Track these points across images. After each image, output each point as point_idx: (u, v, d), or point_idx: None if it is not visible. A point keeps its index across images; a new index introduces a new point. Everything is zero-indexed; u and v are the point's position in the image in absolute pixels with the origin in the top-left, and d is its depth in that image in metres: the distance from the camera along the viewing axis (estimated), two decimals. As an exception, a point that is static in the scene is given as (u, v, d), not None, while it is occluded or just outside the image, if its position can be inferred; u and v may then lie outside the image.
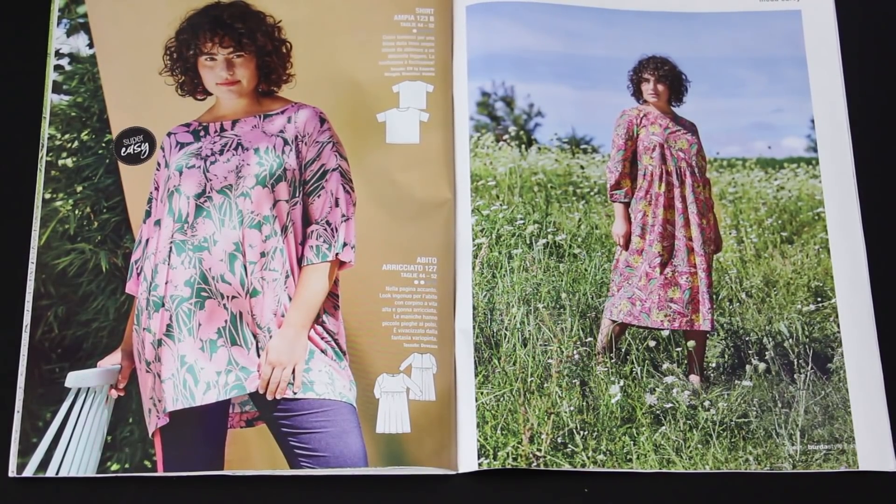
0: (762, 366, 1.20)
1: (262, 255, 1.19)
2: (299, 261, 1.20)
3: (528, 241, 1.25)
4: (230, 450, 1.15)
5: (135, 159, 1.25)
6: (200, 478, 1.14)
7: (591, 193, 1.29)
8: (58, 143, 1.26)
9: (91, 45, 1.30)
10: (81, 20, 1.31)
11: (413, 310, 1.20)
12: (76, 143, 1.26)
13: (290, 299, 1.18)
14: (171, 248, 1.19)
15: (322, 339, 1.18)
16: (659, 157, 1.29)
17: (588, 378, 1.19)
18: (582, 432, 1.16)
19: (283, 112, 1.24)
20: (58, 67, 1.29)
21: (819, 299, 1.23)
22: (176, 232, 1.19)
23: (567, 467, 1.14)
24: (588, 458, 1.15)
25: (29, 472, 1.13)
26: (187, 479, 1.14)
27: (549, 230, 1.27)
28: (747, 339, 1.22)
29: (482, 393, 1.17)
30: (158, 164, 1.24)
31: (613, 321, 1.23)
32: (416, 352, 1.18)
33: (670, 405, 1.18)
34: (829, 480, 1.15)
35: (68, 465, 1.14)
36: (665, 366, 1.21)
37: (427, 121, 1.27)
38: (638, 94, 1.31)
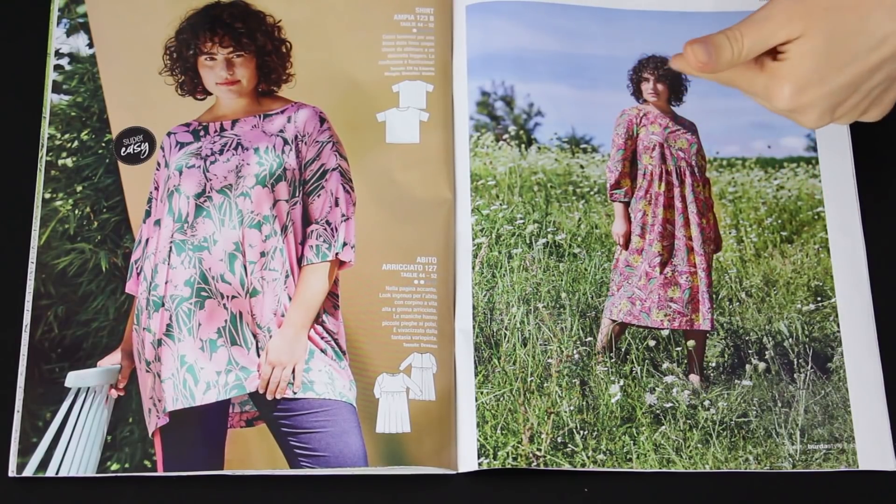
0: (762, 365, 1.20)
1: (262, 254, 1.19)
2: (299, 260, 1.20)
3: (527, 241, 1.25)
4: (230, 450, 1.15)
5: (135, 159, 1.25)
6: (200, 478, 1.14)
7: (591, 193, 1.29)
8: (58, 142, 1.26)
9: (91, 45, 1.30)
10: (81, 20, 1.31)
11: (413, 309, 1.20)
12: (76, 143, 1.26)
13: (290, 299, 1.18)
14: (170, 247, 1.19)
15: (322, 338, 1.18)
16: (659, 157, 1.29)
17: (588, 378, 1.19)
18: (582, 432, 1.16)
19: (282, 112, 1.24)
20: (58, 67, 1.29)
21: (819, 299, 1.23)
22: (176, 232, 1.19)
23: (567, 467, 1.14)
24: (588, 457, 1.15)
25: (29, 471, 1.13)
26: (187, 479, 1.14)
27: (548, 230, 1.27)
28: (747, 338, 1.22)
29: (482, 393, 1.17)
30: (158, 164, 1.24)
31: (613, 321, 1.23)
32: (416, 351, 1.18)
33: (670, 405, 1.18)
34: (829, 480, 1.15)
35: (68, 465, 1.14)
36: (665, 365, 1.21)
37: (427, 120, 1.27)
38: (638, 94, 1.31)
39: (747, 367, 1.20)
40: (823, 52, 1.00)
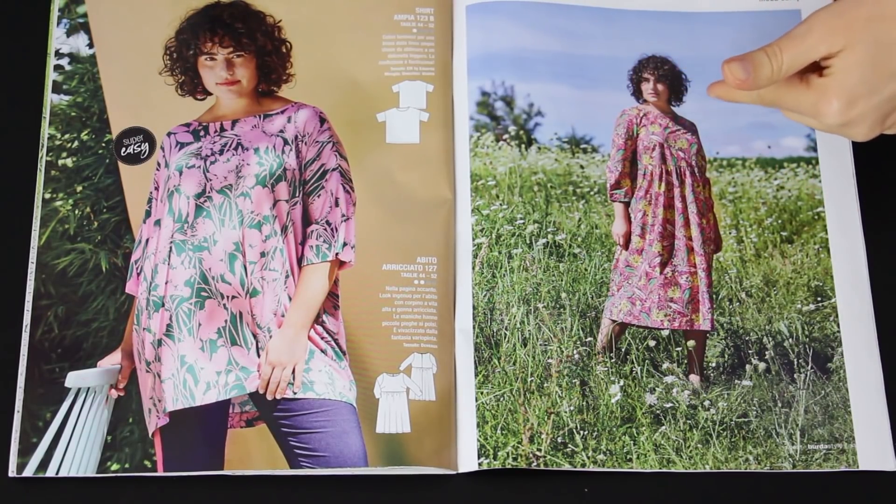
0: (762, 365, 1.20)
1: (262, 254, 1.19)
2: (299, 261, 1.20)
3: (527, 241, 1.25)
4: (230, 450, 1.15)
5: (135, 159, 1.25)
6: (200, 478, 1.14)
7: (591, 193, 1.29)
8: (58, 143, 1.26)
9: (91, 45, 1.30)
10: (81, 20, 1.31)
11: (413, 310, 1.20)
12: (76, 143, 1.26)
13: (290, 299, 1.18)
14: (171, 247, 1.19)
15: (322, 338, 1.18)
16: (659, 157, 1.29)
17: (588, 378, 1.19)
18: (582, 432, 1.16)
19: (283, 112, 1.24)
20: (58, 67, 1.29)
21: (819, 299, 1.23)
22: (176, 232, 1.19)
23: (567, 467, 1.14)
24: (588, 457, 1.15)
25: (29, 472, 1.13)
26: (187, 479, 1.14)
27: (549, 230, 1.27)
28: (747, 338, 1.22)
29: (482, 393, 1.17)
30: (158, 164, 1.24)
31: (613, 321, 1.23)
32: (416, 352, 1.18)
33: (670, 405, 1.18)
34: (829, 480, 1.15)
35: (68, 465, 1.14)
36: (665, 365, 1.21)
37: (427, 121, 1.27)
38: (638, 94, 1.31)
39: (747, 367, 1.20)
40: (869, 63, 1.00)
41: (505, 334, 1.20)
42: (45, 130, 1.27)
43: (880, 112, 1.02)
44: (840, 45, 1.00)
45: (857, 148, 1.28)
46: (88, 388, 1.17)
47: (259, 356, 1.17)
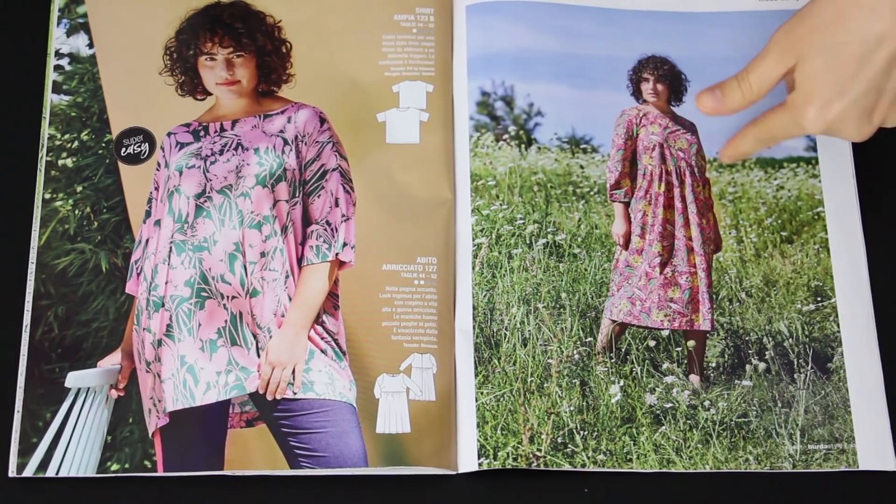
0: (762, 365, 1.20)
1: (262, 255, 1.19)
2: (299, 261, 1.20)
3: (527, 241, 1.25)
4: (230, 450, 1.15)
5: (135, 159, 1.25)
6: (200, 478, 1.14)
7: (591, 193, 1.29)
8: (58, 143, 1.26)
9: (91, 45, 1.30)
10: (81, 20, 1.31)
11: (413, 310, 1.20)
12: (76, 143, 1.26)
13: (290, 299, 1.18)
14: (171, 248, 1.19)
15: (322, 339, 1.18)
16: (658, 157, 1.29)
17: (588, 378, 1.19)
18: (582, 432, 1.16)
19: (283, 112, 1.24)
20: (58, 67, 1.29)
21: (819, 299, 1.23)
22: (176, 232, 1.19)
23: (567, 467, 1.14)
24: (588, 458, 1.15)
25: (29, 472, 1.13)
26: (187, 479, 1.14)
27: (548, 230, 1.27)
28: (747, 338, 1.22)
29: (482, 393, 1.17)
30: (158, 164, 1.24)
31: (613, 321, 1.23)
32: (416, 352, 1.18)
33: (670, 405, 1.18)
34: (829, 480, 1.15)
35: (68, 465, 1.14)
36: (665, 366, 1.21)
37: (427, 121, 1.27)
38: (637, 94, 1.31)
39: (747, 367, 1.20)
40: (826, 68, 1.05)
41: (505, 334, 1.20)
42: (45, 130, 1.27)
43: (860, 108, 1.07)
44: (794, 59, 1.07)
45: (857, 148, 1.28)
46: (88, 388, 1.17)
47: (259, 356, 1.17)
